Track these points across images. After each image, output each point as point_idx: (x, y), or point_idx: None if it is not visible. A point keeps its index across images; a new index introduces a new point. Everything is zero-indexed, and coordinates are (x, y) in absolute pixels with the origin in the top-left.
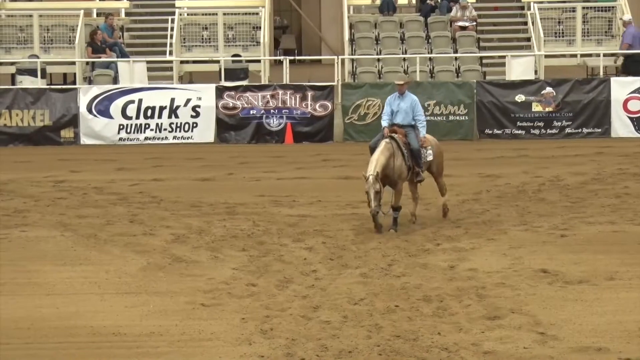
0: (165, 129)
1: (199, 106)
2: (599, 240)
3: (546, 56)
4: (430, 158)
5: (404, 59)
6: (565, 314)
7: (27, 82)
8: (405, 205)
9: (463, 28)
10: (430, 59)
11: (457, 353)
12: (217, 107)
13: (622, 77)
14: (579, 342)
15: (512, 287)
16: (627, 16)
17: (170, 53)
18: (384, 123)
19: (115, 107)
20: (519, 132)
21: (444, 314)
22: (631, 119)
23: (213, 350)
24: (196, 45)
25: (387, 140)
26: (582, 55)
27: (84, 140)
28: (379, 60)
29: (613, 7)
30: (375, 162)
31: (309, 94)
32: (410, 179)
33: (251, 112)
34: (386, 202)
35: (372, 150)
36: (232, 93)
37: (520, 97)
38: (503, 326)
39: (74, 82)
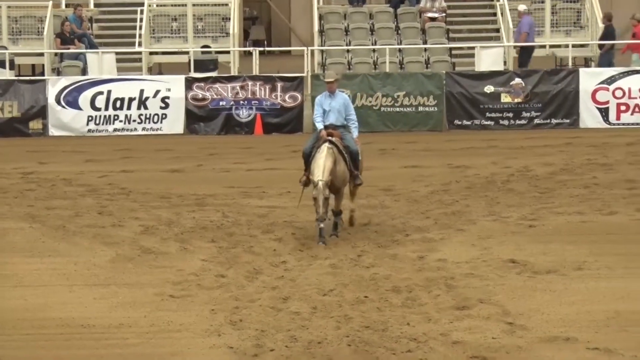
0: (134, 121)
1: (168, 97)
2: (567, 230)
3: (515, 47)
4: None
5: (374, 50)
6: (534, 303)
7: None
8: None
9: (432, 19)
10: (399, 50)
11: (426, 343)
12: (186, 98)
13: (591, 68)
14: (548, 332)
15: (480, 278)
16: (522, 6)
17: (139, 44)
18: (320, 125)
19: (84, 98)
20: (488, 123)
21: (413, 304)
22: (599, 109)
23: (182, 341)
24: (165, 37)
25: (329, 145)
26: (551, 47)
27: (53, 131)
28: (348, 51)
29: None
30: (323, 168)
31: (279, 85)
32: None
33: (221, 103)
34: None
35: (307, 156)
36: (202, 84)
37: (489, 88)
38: (472, 316)
39: (43, 74)
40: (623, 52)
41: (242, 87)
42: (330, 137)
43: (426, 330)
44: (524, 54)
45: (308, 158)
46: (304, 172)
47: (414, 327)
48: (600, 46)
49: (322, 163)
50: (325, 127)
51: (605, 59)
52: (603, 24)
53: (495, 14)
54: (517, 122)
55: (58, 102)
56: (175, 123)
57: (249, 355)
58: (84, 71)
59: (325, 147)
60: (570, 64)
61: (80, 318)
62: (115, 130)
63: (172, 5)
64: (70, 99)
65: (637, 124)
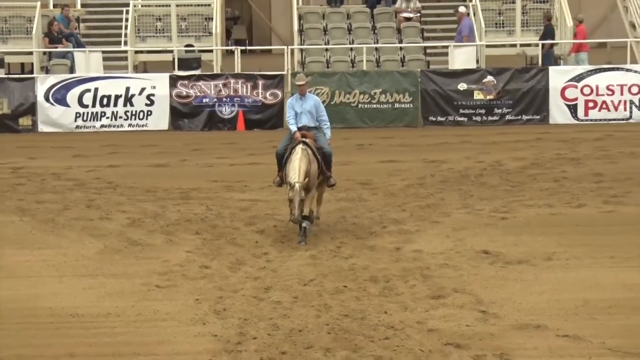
0: (120, 117)
1: (153, 95)
2: (537, 222)
3: (487, 46)
4: None
5: (351, 49)
6: (506, 293)
7: None
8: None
9: (408, 19)
10: (376, 49)
11: (402, 331)
12: (170, 95)
13: (561, 66)
14: (519, 320)
15: (455, 268)
16: (463, 8)
17: (125, 43)
18: (293, 127)
19: (72, 95)
20: (462, 119)
21: (390, 293)
22: (568, 106)
23: (168, 330)
24: (150, 36)
25: (303, 146)
26: (522, 45)
27: (42, 127)
28: (327, 50)
29: None
30: (298, 170)
31: (260, 82)
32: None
33: (204, 100)
34: None
35: (281, 157)
36: (186, 82)
37: (462, 86)
38: (446, 305)
39: (32, 72)
40: (570, 54)
41: (224, 85)
42: (304, 139)
43: (403, 318)
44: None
45: (281, 159)
46: (277, 173)
47: (391, 315)
48: (543, 46)
49: (297, 165)
50: (299, 129)
51: (548, 57)
52: (543, 24)
53: (468, 14)
54: (490, 118)
55: (47, 99)
56: (160, 119)
57: (233, 343)
58: (71, 69)
59: (299, 148)
60: (540, 62)
61: (70, 307)
62: (102, 126)
63: (156, 6)
64: (58, 96)
65: (605, 120)
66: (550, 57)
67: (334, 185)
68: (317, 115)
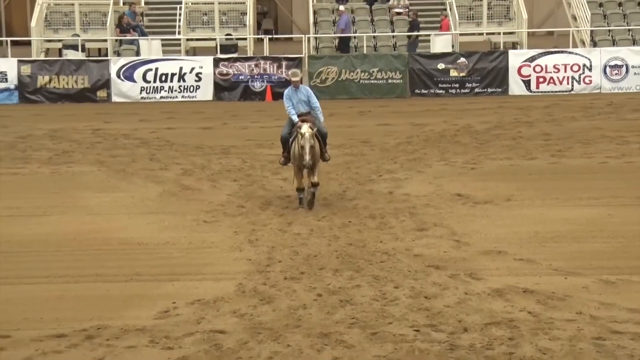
0: (175, 90)
1: (200, 73)
2: (499, 171)
3: (460, 34)
4: None
5: (354, 37)
6: (475, 226)
7: (71, 55)
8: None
9: (399, 13)
10: (374, 37)
11: (394, 256)
12: (214, 73)
13: (518, 50)
14: (485, 247)
15: (435, 207)
16: (342, 7)
17: (179, 33)
18: (295, 117)
19: (138, 73)
20: (441, 91)
21: (384, 227)
22: (523, 81)
23: (212, 255)
24: (198, 27)
25: (307, 125)
26: (487, 34)
27: (115, 98)
28: (335, 38)
29: None
30: (308, 129)
31: (284, 63)
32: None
33: (240, 77)
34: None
35: (286, 140)
36: (226, 63)
37: (441, 65)
38: (428, 236)
39: (106, 55)
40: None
41: (256, 65)
42: (306, 123)
43: (394, 246)
44: (342, 43)
45: (286, 142)
46: (282, 154)
47: (386, 244)
48: (409, 37)
49: (305, 130)
50: (298, 116)
51: (413, 46)
52: (410, 18)
53: (445, 9)
54: (462, 91)
55: (118, 76)
56: (206, 92)
57: (263, 265)
58: (137, 53)
59: (305, 126)
60: (501, 46)
61: (136, 238)
62: (161, 97)
63: (203, 3)
64: (127, 74)
65: (552, 91)
66: (415, 46)
67: (329, 160)
68: (310, 102)
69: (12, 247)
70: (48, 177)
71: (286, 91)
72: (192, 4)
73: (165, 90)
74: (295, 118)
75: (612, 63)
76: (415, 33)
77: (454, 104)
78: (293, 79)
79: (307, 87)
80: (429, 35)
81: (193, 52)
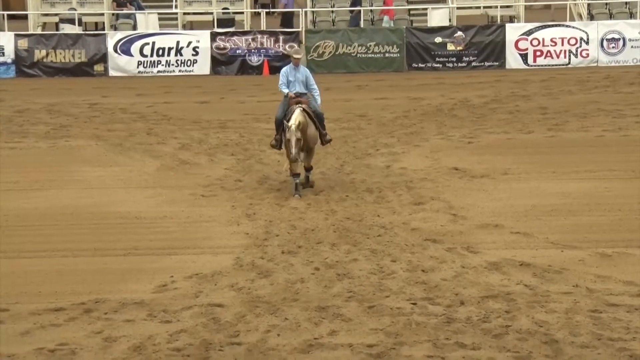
0: (172, 64)
1: (197, 47)
2: (496, 145)
3: (458, 8)
4: None
5: (351, 11)
6: (471, 200)
7: (68, 29)
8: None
9: None
10: (371, 10)
11: (391, 230)
12: (211, 47)
13: (515, 23)
14: (481, 221)
15: (432, 181)
16: None
17: (176, 7)
18: (285, 90)
19: (135, 47)
20: (438, 65)
21: (382, 201)
22: (520, 54)
23: (210, 229)
24: (195, 1)
25: (300, 109)
26: (484, 7)
27: (112, 72)
28: (332, 12)
29: None
30: (296, 117)
31: (281, 37)
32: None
33: (237, 51)
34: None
35: (280, 122)
36: (223, 37)
37: (438, 39)
38: (425, 209)
39: (104, 29)
40: (381, 15)
41: (253, 39)
42: (300, 105)
43: (392, 220)
44: (285, 18)
45: (280, 124)
46: (274, 136)
47: (383, 218)
48: (351, 11)
49: (296, 116)
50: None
51: (354, 20)
52: None
53: None
54: (459, 64)
55: (115, 50)
56: (203, 66)
57: (260, 239)
58: (134, 27)
59: (297, 110)
60: (498, 20)
61: (134, 212)
62: (158, 72)
63: None
64: (124, 48)
65: (549, 65)
66: (358, 20)
67: (330, 141)
68: (308, 84)
69: (10, 222)
70: (46, 151)
71: (285, 68)
72: None
73: (163, 65)
74: (285, 90)
75: (609, 36)
76: (358, 8)
77: (451, 77)
78: (295, 56)
79: (306, 68)
80: (426, 9)
81: (190, 26)
